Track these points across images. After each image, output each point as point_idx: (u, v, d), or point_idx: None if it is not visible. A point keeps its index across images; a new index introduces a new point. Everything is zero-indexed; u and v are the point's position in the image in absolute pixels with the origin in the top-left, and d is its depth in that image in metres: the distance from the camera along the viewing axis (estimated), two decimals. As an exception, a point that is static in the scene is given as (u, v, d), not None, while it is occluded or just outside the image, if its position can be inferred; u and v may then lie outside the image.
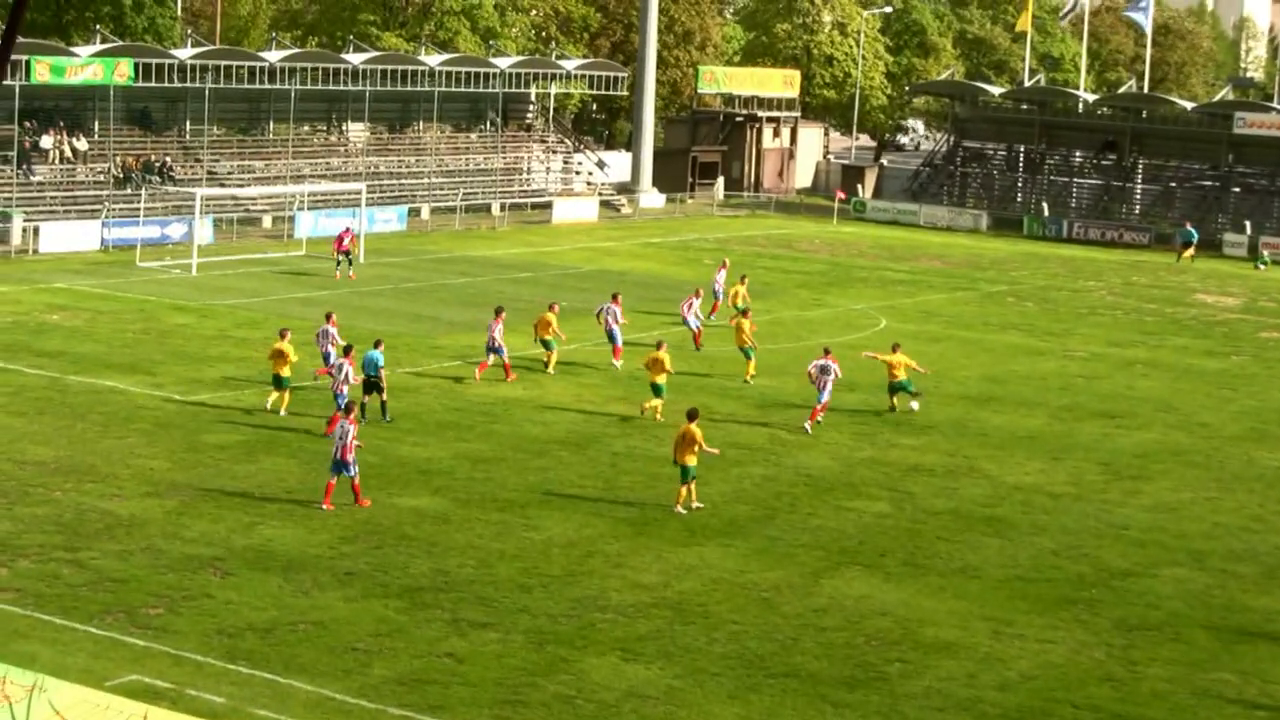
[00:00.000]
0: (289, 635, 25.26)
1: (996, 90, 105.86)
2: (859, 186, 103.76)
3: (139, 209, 69.55)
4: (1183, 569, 31.28)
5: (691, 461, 32.99)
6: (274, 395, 39.56)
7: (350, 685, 23.49)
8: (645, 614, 27.05)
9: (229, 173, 78.34)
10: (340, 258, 61.41)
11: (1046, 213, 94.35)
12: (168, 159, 75.34)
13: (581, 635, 25.94)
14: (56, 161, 72.68)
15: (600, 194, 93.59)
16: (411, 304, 53.50)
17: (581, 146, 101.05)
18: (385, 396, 39.08)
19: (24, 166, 70.72)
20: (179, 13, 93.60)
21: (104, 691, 18.62)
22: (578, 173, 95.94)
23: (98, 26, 78.53)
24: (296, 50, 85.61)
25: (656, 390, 40.80)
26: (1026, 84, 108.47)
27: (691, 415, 33.60)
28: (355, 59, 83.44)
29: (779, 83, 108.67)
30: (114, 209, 70.30)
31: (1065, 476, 37.67)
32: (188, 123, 79.03)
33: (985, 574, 30.17)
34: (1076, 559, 31.43)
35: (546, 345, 45.82)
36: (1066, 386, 48.26)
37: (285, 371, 39.26)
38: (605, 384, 44.67)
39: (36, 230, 65.74)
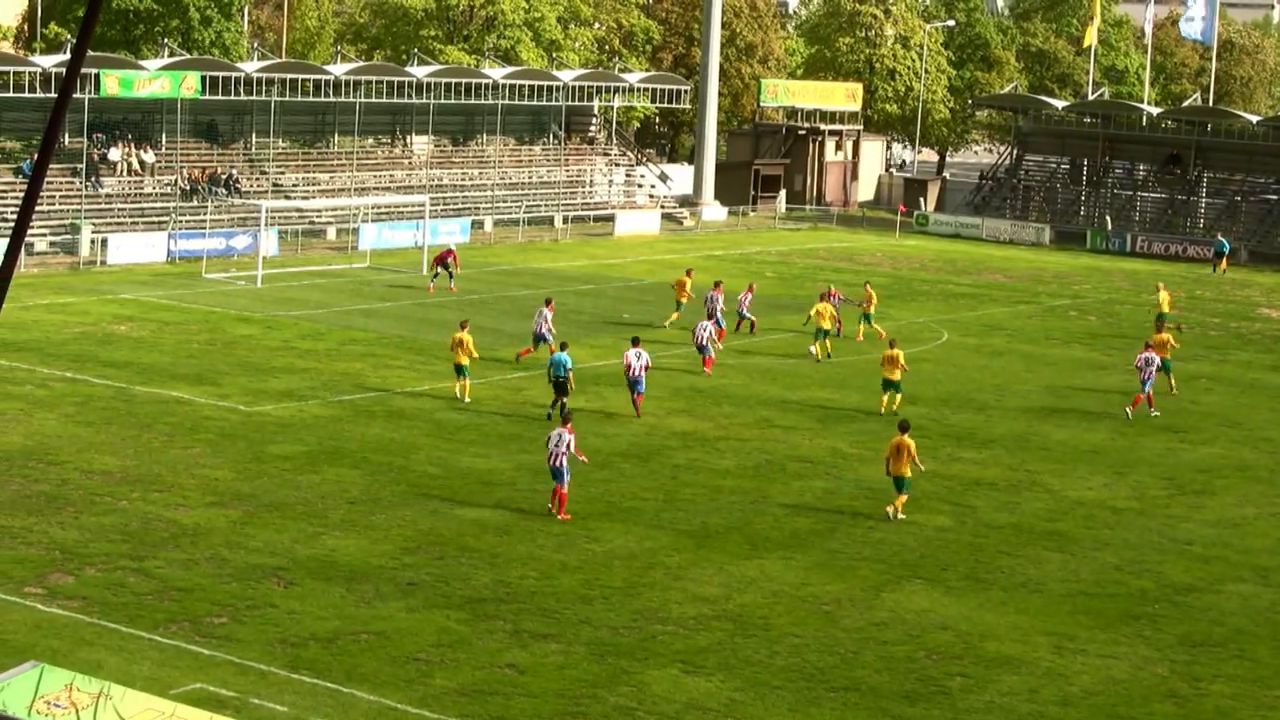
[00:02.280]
0: (351, 645, 25.35)
1: (1060, 104, 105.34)
2: (921, 200, 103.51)
3: (205, 221, 70.08)
4: (1247, 585, 31.01)
5: (906, 473, 33.55)
6: (458, 383, 42.80)
7: (412, 695, 23.55)
8: (706, 626, 27.01)
9: (294, 185, 78.79)
10: (438, 269, 62.59)
11: (1110, 226, 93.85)
12: (233, 171, 75.85)
13: (643, 647, 25.93)
14: (124, 174, 73.27)
15: (662, 207, 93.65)
16: (474, 316, 53.47)
17: (644, 159, 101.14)
18: (567, 398, 40.48)
19: (93, 179, 71.33)
20: (245, 27, 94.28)
21: (169, 699, 18.74)
22: (640, 185, 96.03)
23: (165, 41, 79.22)
24: (361, 64, 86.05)
25: (893, 385, 43.49)
26: (1090, 97, 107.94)
27: (903, 427, 34.26)
28: (419, 72, 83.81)
29: (841, 96, 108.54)
30: (180, 221, 70.84)
31: (1128, 491, 37.42)
32: (253, 135, 79.56)
33: (1047, 589, 29.99)
34: (1139, 574, 31.21)
35: (679, 306, 54.36)
36: (1130, 401, 47.90)
37: (464, 360, 42.51)
38: (667, 396, 44.67)
39: (104, 242, 66.26)
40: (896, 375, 43.49)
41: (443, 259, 62.84)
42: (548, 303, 48.66)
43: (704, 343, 48.06)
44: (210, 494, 33.23)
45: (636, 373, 41.57)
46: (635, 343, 42.59)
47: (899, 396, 43.73)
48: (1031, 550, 32.36)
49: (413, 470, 35.73)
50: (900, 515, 33.71)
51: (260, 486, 33.98)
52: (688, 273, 57.44)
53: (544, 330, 47.09)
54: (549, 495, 33.12)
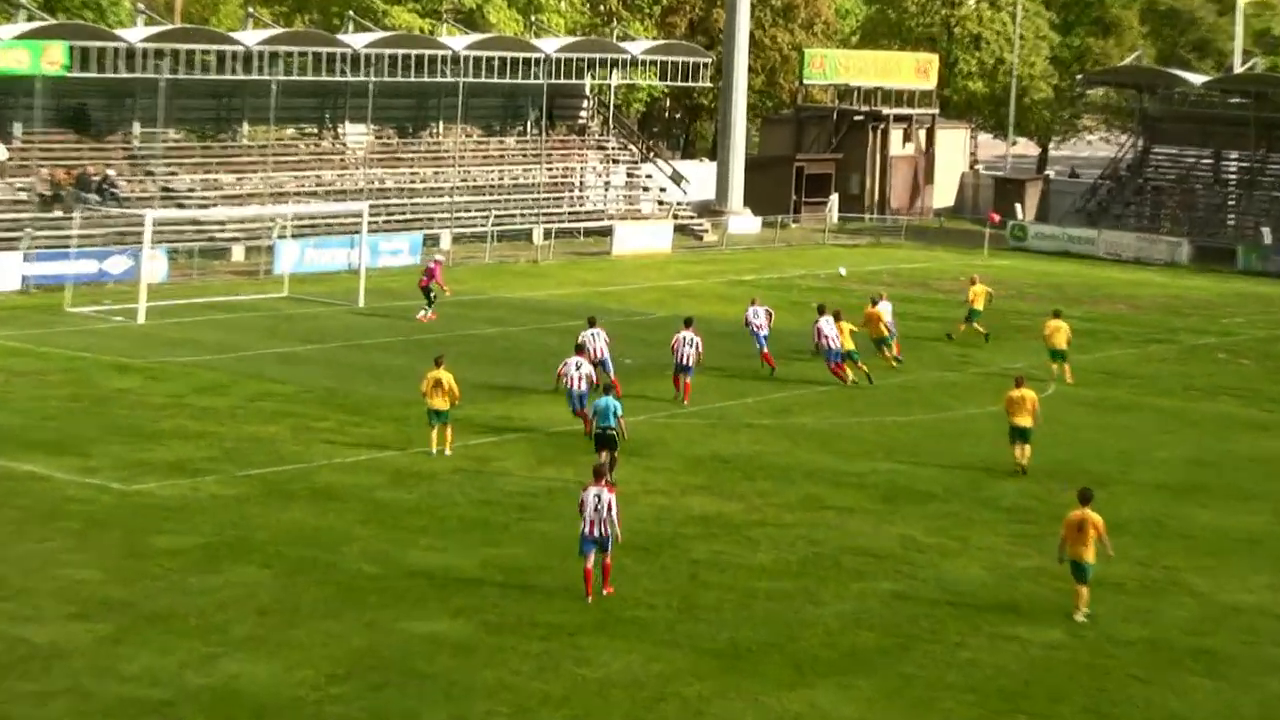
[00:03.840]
0: (258, 809, 24.88)
1: (1198, 79, 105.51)
2: (1017, 206, 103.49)
3: (70, 237, 69.88)
4: None
5: (1090, 558, 34.24)
6: (433, 433, 44.79)
7: None
8: (737, 781, 26.58)
9: (189, 190, 78.81)
10: (430, 294, 64.92)
11: (1267, 240, 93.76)
12: (110, 172, 75.84)
13: (651, 810, 25.47)
14: (-35, 176, 73.34)
15: (676, 217, 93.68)
16: (424, 361, 53.29)
17: (651, 155, 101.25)
18: (617, 453, 41.79)
19: (-77, 182, 71.30)
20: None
21: None
22: (646, 189, 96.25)
23: (22, 1, 79.14)
24: (279, 30, 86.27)
25: (1023, 434, 45.41)
26: (1238, 70, 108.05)
27: (1085, 498, 34.81)
28: (355, 41, 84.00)
29: (910, 71, 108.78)
30: (38, 237, 70.65)
31: (1300, 594, 37.03)
32: (136, 125, 79.69)
33: (1196, 727, 29.57)
34: (1319, 706, 30.77)
35: (882, 343, 59.07)
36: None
37: (442, 405, 44.59)
38: (680, 469, 44.36)
39: (-64, 265, 66.23)
40: (1028, 421, 45.10)
41: (428, 279, 65.08)
42: (687, 323, 52.68)
43: (687, 362, 51.17)
44: (72, 603, 32.86)
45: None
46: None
47: (1029, 449, 45.31)
48: (1173, 675, 31.98)
49: (343, 569, 35.39)
50: (1085, 612, 34.17)
51: (139, 592, 33.61)
52: (873, 302, 61.00)
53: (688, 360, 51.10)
54: (547, 590, 32.73)
